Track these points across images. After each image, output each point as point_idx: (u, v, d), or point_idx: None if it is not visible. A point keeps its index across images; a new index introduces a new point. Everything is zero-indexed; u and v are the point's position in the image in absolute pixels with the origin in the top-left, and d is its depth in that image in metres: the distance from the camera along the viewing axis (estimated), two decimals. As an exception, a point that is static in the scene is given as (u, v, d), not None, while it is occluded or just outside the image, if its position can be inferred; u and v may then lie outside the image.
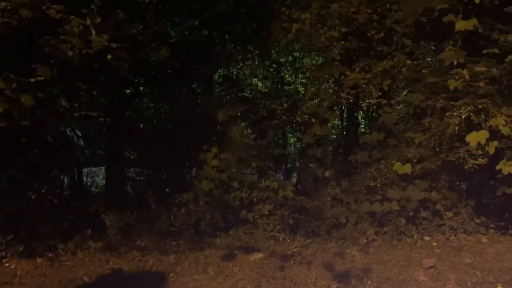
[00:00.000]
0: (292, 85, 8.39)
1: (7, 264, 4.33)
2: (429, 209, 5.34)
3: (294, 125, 7.15)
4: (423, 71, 5.74)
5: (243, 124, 6.82)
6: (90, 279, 4.05)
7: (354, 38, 6.02)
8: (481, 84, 4.81)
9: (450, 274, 4.13)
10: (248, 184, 5.57)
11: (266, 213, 5.40)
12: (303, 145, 7.17)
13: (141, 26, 4.51)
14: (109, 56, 4.13)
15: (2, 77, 3.60)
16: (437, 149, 5.25)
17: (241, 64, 7.50)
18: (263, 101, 6.78)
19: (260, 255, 4.66)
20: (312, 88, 6.70)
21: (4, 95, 3.59)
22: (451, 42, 5.77)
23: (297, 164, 8.07)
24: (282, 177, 7.46)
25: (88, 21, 4.06)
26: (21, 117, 3.78)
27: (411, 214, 5.35)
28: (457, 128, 4.85)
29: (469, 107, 4.76)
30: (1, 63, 3.75)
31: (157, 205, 5.53)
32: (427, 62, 5.96)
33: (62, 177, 6.48)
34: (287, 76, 8.58)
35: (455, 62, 5.03)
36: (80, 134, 4.80)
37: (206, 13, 6.92)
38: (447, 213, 5.29)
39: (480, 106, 4.71)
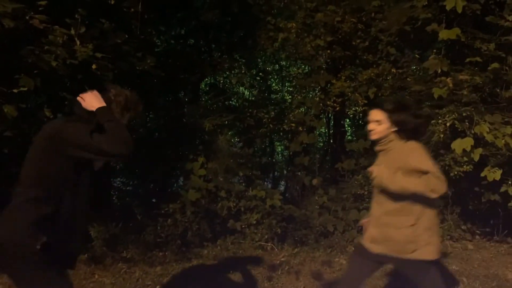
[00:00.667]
0: (279, 93, 8.44)
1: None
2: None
3: (281, 133, 7.18)
4: (408, 79, 5.82)
5: (230, 132, 6.81)
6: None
7: (340, 47, 6.09)
8: (465, 92, 4.88)
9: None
10: (235, 193, 5.54)
11: (254, 222, 5.37)
12: (291, 153, 7.20)
13: (126, 36, 4.48)
14: (93, 66, 4.09)
15: (-16, 87, 3.54)
16: (423, 156, 5.29)
17: (227, 72, 7.52)
18: (250, 110, 6.80)
19: (248, 265, 4.62)
20: (299, 97, 6.74)
21: (-14, 106, 3.53)
22: (434, 50, 5.86)
23: (285, 172, 8.09)
24: (270, 186, 7.47)
25: (73, 31, 4.02)
26: (4, 128, 3.71)
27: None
28: (442, 135, 4.90)
29: (453, 115, 4.82)
30: (-17, 74, 3.68)
31: (143, 216, 5.47)
32: (411, 71, 6.05)
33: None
34: (273, 84, 8.62)
35: (439, 71, 5.10)
36: (64, 145, 4.73)
37: (192, 22, 6.93)
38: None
39: (464, 114, 4.78)
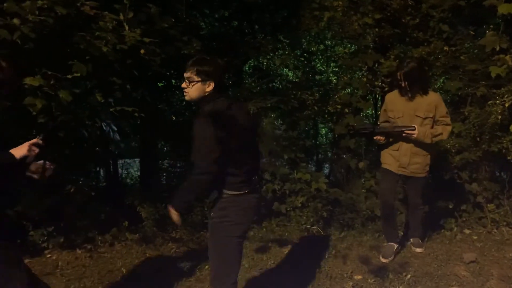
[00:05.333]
0: (324, 74, 8.26)
1: (49, 255, 4.47)
2: (469, 201, 5.17)
3: (325, 116, 7.03)
4: (462, 57, 5.50)
5: (273, 115, 6.77)
6: (128, 271, 4.14)
7: (388, 25, 5.82)
8: (526, 70, 4.58)
9: (493, 269, 3.98)
10: (280, 176, 5.53)
11: (299, 205, 5.35)
12: (335, 135, 7.06)
13: (173, 20, 4.51)
14: (142, 51, 4.16)
15: (40, 74, 3.68)
16: (478, 139, 5.05)
17: (271, 54, 7.41)
18: (294, 92, 6.68)
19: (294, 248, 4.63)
20: (345, 77, 6.54)
21: (43, 91, 3.67)
22: (491, 26, 5.50)
23: (329, 155, 7.97)
24: (313, 168, 7.40)
25: (121, 16, 4.09)
26: (59, 112, 3.86)
27: (450, 206, 5.19)
28: (500, 117, 4.64)
29: (512, 95, 4.55)
30: (39, 61, 3.82)
31: (191, 197, 5.57)
32: (465, 48, 5.70)
33: (98, 170, 6.64)
34: (318, 65, 8.44)
35: (497, 48, 4.80)
36: (115, 129, 4.88)
37: (235, 4, 6.87)
38: (488, 205, 5.08)
39: (524, 94, 4.50)
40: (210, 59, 2.52)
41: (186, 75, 2.49)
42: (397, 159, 4.04)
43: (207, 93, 2.48)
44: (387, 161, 4.13)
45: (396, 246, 4.30)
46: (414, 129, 3.83)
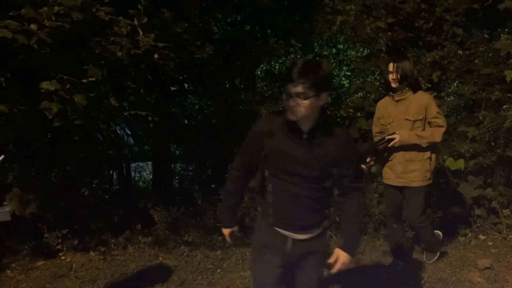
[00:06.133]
0: (336, 78, 8.25)
1: (63, 258, 4.53)
2: (483, 206, 5.10)
3: (338, 119, 7.02)
4: (476, 61, 5.46)
5: (286, 119, 6.74)
6: (141, 274, 4.17)
7: (401, 29, 5.80)
8: (542, 74, 4.52)
9: (508, 275, 3.93)
10: (292, 180, 5.51)
11: (311, 209, 5.33)
12: (348, 139, 7.02)
13: (186, 25, 4.54)
14: (156, 56, 4.19)
15: (56, 78, 3.73)
16: (493, 143, 4.99)
17: (283, 58, 7.43)
18: (306, 96, 6.69)
19: (306, 252, 4.61)
20: (357, 81, 6.54)
21: (59, 95, 3.73)
22: (506, 30, 5.45)
23: (341, 158, 7.94)
24: (326, 172, 7.37)
25: (135, 22, 4.14)
26: (75, 116, 3.91)
27: (464, 212, 5.14)
28: (515, 121, 4.59)
29: (528, 99, 4.49)
30: (55, 65, 3.89)
31: (203, 201, 5.59)
32: (479, 52, 5.65)
33: (111, 173, 6.70)
34: (330, 69, 8.43)
35: (513, 52, 4.75)
36: (129, 132, 4.93)
37: (247, 8, 6.90)
38: (503, 210, 5.02)
39: (540, 98, 4.44)
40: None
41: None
42: (393, 169, 3.83)
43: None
44: (386, 175, 3.95)
45: (401, 264, 4.07)
46: (395, 134, 3.67)
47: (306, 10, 6.65)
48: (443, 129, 3.69)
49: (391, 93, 3.84)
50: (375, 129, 4.10)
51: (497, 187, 5.11)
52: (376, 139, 4.00)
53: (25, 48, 3.56)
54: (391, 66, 3.71)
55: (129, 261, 4.49)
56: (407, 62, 3.73)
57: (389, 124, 3.84)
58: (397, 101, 3.78)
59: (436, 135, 3.66)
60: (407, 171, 3.75)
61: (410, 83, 3.72)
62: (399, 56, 3.94)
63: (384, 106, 3.94)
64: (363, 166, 3.95)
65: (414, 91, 3.74)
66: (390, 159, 3.85)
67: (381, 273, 4.04)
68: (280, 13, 6.97)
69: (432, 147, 3.75)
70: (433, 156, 3.81)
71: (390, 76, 3.72)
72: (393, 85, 3.73)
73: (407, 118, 3.70)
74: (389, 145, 3.69)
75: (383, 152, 3.85)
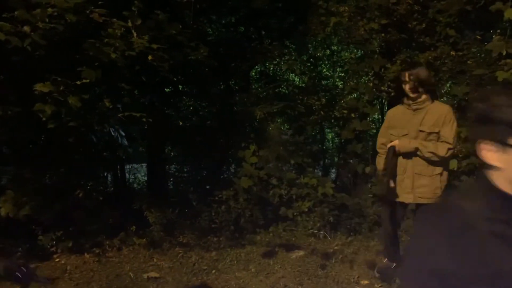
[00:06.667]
0: (330, 79, 8.28)
1: (57, 260, 4.52)
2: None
3: (332, 120, 7.06)
4: (469, 62, 5.50)
5: (280, 120, 6.78)
6: (135, 275, 4.16)
7: (395, 30, 5.84)
8: (533, 75, 4.57)
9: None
10: (287, 181, 5.55)
11: (306, 210, 5.36)
12: (342, 140, 7.07)
13: (180, 26, 4.56)
14: (150, 57, 4.21)
15: (50, 80, 3.74)
16: (485, 144, 5.02)
17: (278, 59, 7.46)
18: (300, 97, 6.73)
19: (301, 252, 4.64)
20: (351, 82, 6.57)
21: (53, 97, 3.73)
22: (498, 31, 5.50)
23: (336, 159, 7.97)
24: (320, 173, 7.41)
25: (130, 23, 4.15)
26: (69, 118, 3.92)
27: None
28: (507, 122, 4.61)
29: (520, 100, 4.52)
30: (49, 67, 3.89)
31: (198, 202, 5.61)
32: (472, 53, 5.70)
33: (106, 175, 6.68)
34: (324, 70, 8.47)
35: (504, 53, 4.79)
36: (123, 134, 4.94)
37: (242, 10, 6.92)
38: (496, 210, 5.05)
39: (532, 98, 4.47)
40: None
41: None
42: (402, 185, 3.52)
43: None
44: (394, 192, 3.58)
45: (394, 265, 3.88)
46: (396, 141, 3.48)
47: (300, 11, 6.68)
48: (448, 146, 3.34)
49: (405, 101, 3.56)
50: (381, 139, 3.76)
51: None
52: (380, 150, 3.75)
53: (18, 50, 3.56)
54: (405, 76, 3.47)
55: (123, 262, 4.48)
56: (421, 68, 3.57)
57: (403, 136, 3.52)
58: (414, 110, 3.49)
59: (440, 148, 3.34)
60: (416, 186, 3.46)
61: (428, 90, 3.47)
62: (412, 64, 3.76)
63: (396, 116, 3.64)
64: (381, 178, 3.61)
65: (433, 99, 3.49)
66: (399, 173, 3.53)
67: (375, 273, 4.06)
68: (275, 15, 6.99)
69: (442, 162, 3.42)
70: (445, 173, 3.46)
71: (407, 87, 3.47)
72: (411, 95, 3.47)
73: (422, 129, 3.42)
74: (392, 154, 3.45)
75: (392, 165, 3.52)
